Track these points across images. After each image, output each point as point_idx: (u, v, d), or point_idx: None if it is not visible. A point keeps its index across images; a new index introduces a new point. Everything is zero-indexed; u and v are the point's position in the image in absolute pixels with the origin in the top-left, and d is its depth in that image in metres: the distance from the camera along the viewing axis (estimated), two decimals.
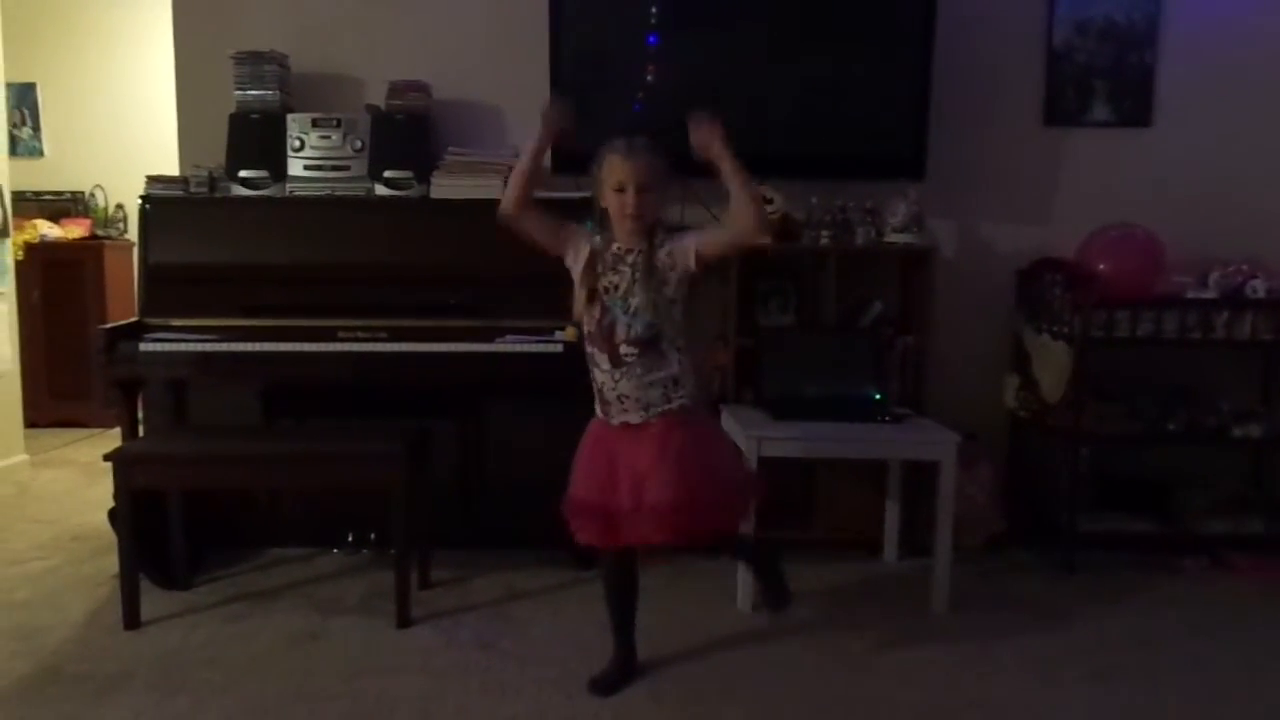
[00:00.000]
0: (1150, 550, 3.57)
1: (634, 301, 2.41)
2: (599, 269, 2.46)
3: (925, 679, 2.64)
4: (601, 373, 2.47)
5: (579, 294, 2.48)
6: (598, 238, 2.49)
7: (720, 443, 2.62)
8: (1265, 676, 2.70)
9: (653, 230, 2.45)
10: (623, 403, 2.46)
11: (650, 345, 2.43)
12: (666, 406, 2.45)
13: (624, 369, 2.44)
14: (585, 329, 2.50)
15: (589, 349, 2.49)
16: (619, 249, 2.46)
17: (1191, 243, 3.62)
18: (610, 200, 2.42)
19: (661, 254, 2.43)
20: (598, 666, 2.60)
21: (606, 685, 2.53)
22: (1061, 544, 3.49)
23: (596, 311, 2.44)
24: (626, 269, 2.44)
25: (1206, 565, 3.52)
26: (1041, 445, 3.70)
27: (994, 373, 3.82)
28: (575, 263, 2.49)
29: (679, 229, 2.63)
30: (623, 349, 2.43)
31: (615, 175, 2.40)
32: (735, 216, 2.42)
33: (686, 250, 2.42)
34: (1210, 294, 3.54)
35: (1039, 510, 3.68)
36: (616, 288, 2.44)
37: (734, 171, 2.38)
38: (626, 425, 2.46)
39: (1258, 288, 3.49)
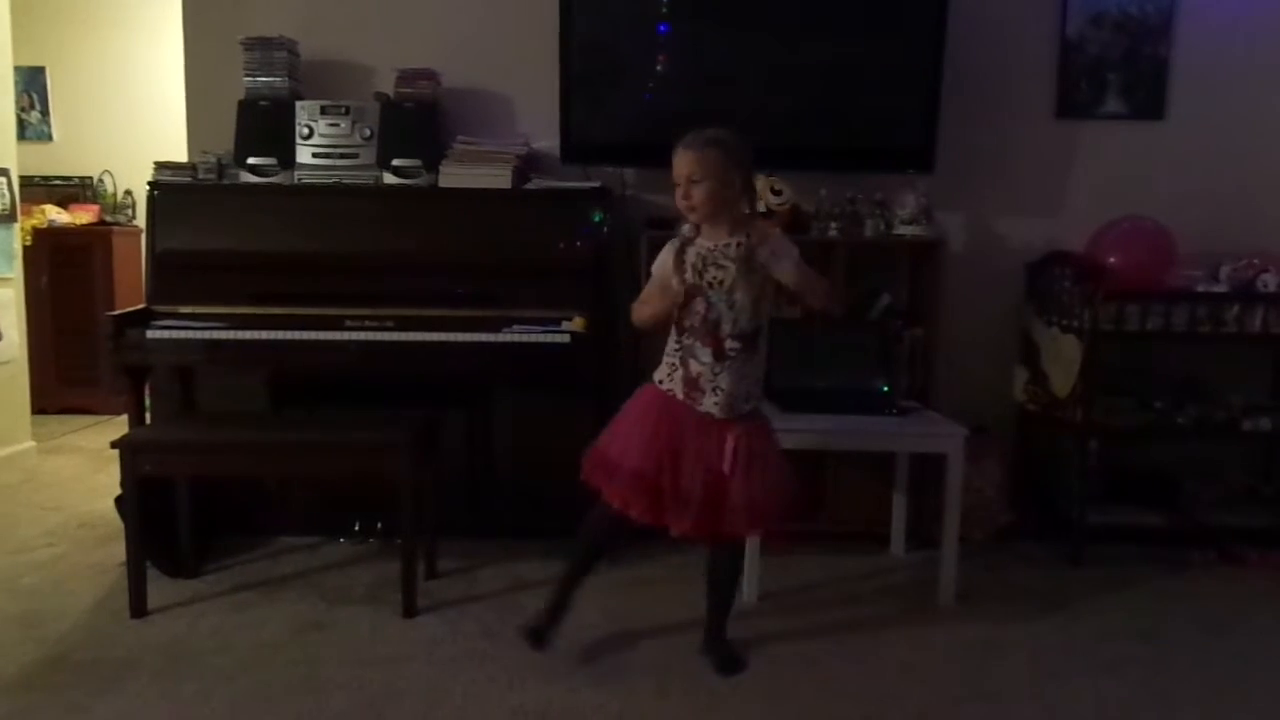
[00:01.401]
0: (1159, 544, 3.56)
1: (737, 296, 2.41)
2: (697, 264, 2.44)
3: (931, 671, 2.64)
4: (700, 365, 2.45)
5: (675, 287, 2.45)
6: (686, 230, 2.49)
7: (780, 453, 2.59)
8: (1272, 670, 2.69)
9: (736, 223, 2.44)
10: (716, 394, 2.45)
11: (752, 339, 2.46)
12: (747, 407, 2.48)
13: (727, 363, 2.44)
14: (685, 322, 2.46)
15: (688, 340, 2.47)
16: (713, 244, 2.44)
17: (1203, 236, 3.60)
18: (677, 193, 2.45)
19: (763, 251, 2.42)
20: (607, 658, 2.62)
21: (539, 634, 2.59)
22: (1069, 537, 3.49)
23: (701, 306, 2.43)
24: (729, 263, 2.42)
25: (1215, 559, 3.50)
26: (1050, 438, 3.69)
27: (1002, 366, 3.81)
28: (670, 271, 2.48)
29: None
30: (728, 344, 2.44)
31: (675, 166, 2.43)
32: (816, 298, 2.49)
33: (784, 261, 2.41)
34: (1221, 287, 3.52)
35: (1047, 503, 3.67)
36: (721, 282, 2.42)
37: (804, 280, 2.44)
38: (709, 417, 2.45)
39: (1269, 281, 3.48)
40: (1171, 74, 3.77)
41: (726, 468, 2.43)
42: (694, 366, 2.46)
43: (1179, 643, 2.85)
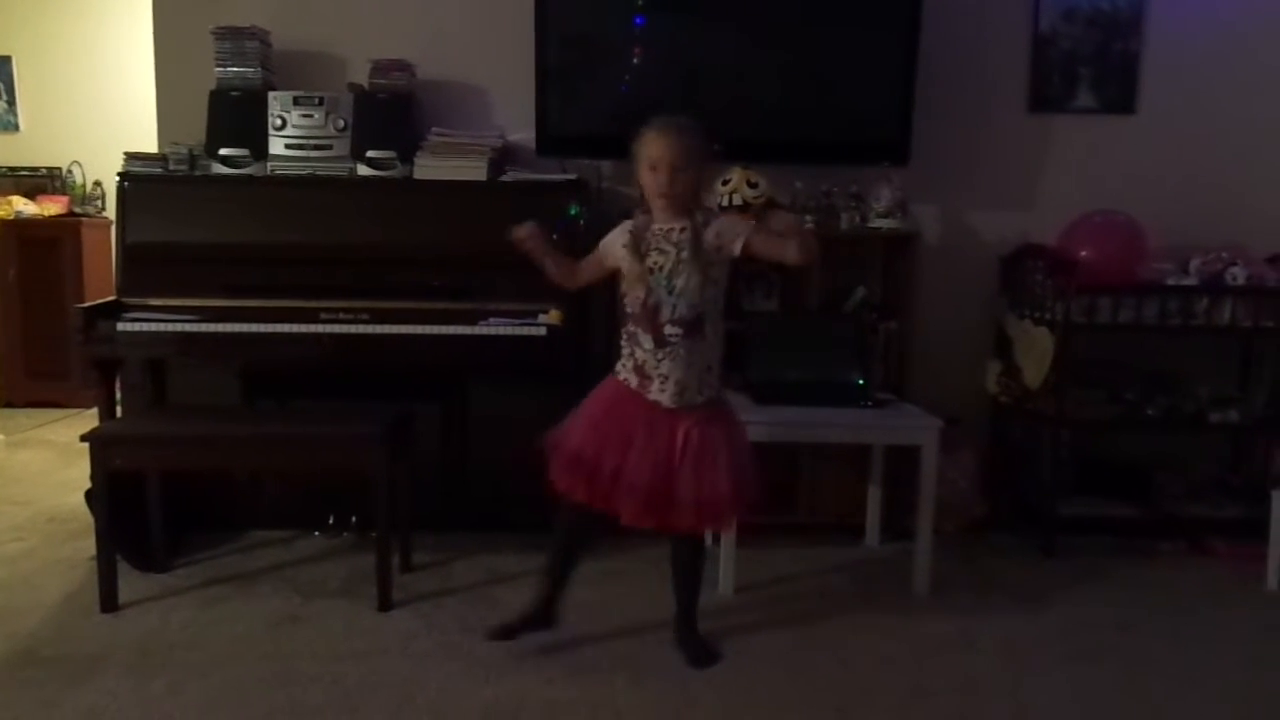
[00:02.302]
0: (1129, 534, 3.60)
1: (679, 282, 2.42)
2: (641, 248, 2.45)
3: (905, 661, 2.65)
4: (644, 351, 2.47)
5: (624, 275, 2.48)
6: (639, 218, 2.50)
7: (742, 443, 2.58)
8: (1241, 658, 2.73)
9: (691, 210, 2.46)
10: (663, 381, 2.45)
11: (694, 327, 2.45)
12: (700, 397, 2.47)
13: (668, 349, 2.44)
14: (628, 309, 2.49)
15: (631, 328, 2.50)
16: (661, 228, 2.46)
17: (1173, 229, 3.64)
18: (645, 178, 2.44)
19: (709, 233, 2.43)
20: (582, 650, 2.62)
21: (507, 631, 2.59)
22: (1041, 528, 3.52)
23: (641, 291, 2.44)
24: (671, 248, 2.43)
25: (1184, 549, 3.55)
26: (1023, 430, 3.73)
27: (976, 358, 3.83)
28: (618, 255, 2.50)
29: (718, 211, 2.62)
30: (667, 330, 2.44)
31: (648, 152, 2.42)
32: (790, 249, 2.43)
33: (736, 237, 2.43)
34: (1191, 281, 3.56)
35: (1020, 494, 3.70)
36: (661, 267, 2.44)
37: (766, 241, 2.45)
38: (658, 406, 2.46)
39: (1237, 275, 3.52)
40: (1142, 68, 3.81)
41: (676, 460, 2.43)
42: (639, 354, 2.48)
43: (1149, 631, 2.88)
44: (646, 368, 2.47)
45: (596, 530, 2.62)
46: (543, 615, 2.64)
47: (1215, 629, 2.92)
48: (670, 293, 2.43)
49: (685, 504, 2.44)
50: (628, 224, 2.52)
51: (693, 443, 2.44)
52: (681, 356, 2.44)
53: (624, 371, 2.53)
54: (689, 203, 2.46)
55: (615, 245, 2.52)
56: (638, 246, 2.46)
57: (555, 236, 2.64)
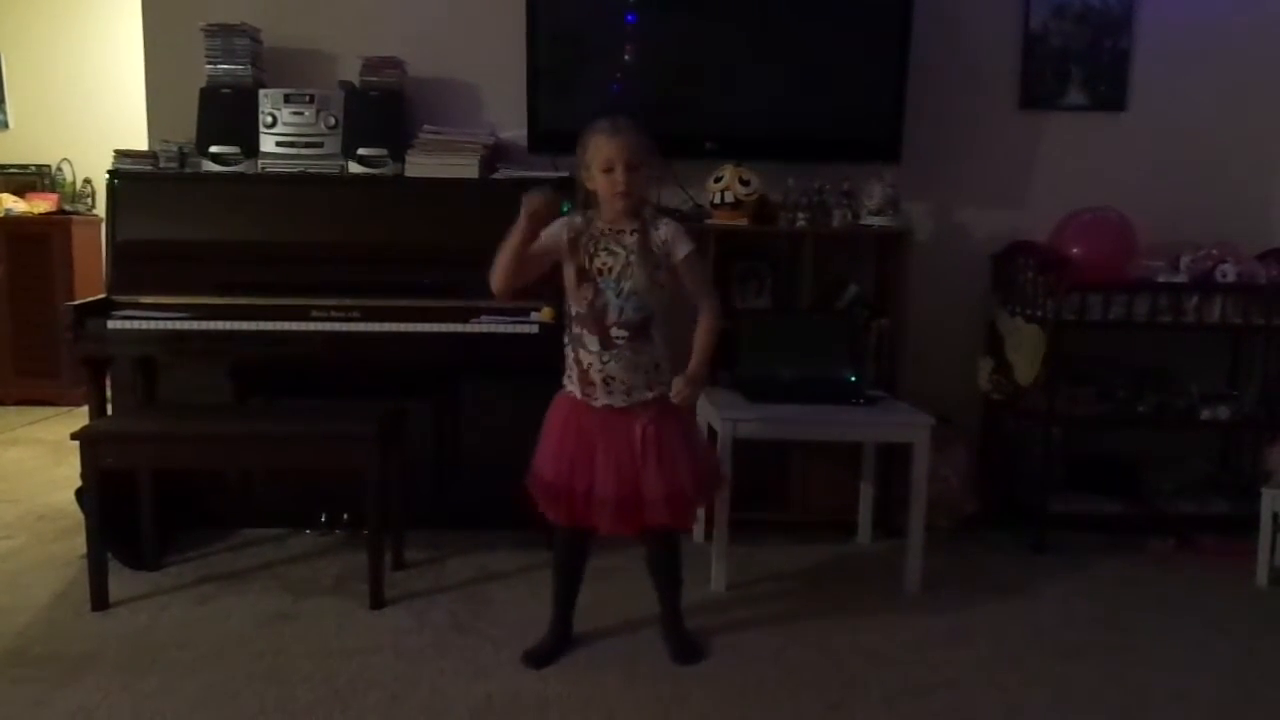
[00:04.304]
0: (1120, 531, 3.61)
1: (626, 284, 2.41)
2: (588, 249, 2.44)
3: (896, 658, 2.66)
4: (589, 354, 2.45)
5: (567, 275, 2.47)
6: (579, 219, 2.47)
7: (697, 434, 2.61)
8: (1230, 654, 2.74)
9: (640, 210, 2.45)
10: (609, 385, 2.45)
11: (640, 328, 2.44)
12: (649, 394, 2.47)
13: (614, 351, 2.43)
14: (574, 310, 2.48)
15: (576, 330, 2.48)
16: (609, 229, 2.44)
17: (1163, 226, 3.65)
18: (599, 181, 2.41)
19: (657, 236, 2.43)
20: (574, 648, 2.63)
21: (540, 657, 2.55)
22: (1033, 525, 3.53)
23: (589, 293, 2.43)
24: (620, 250, 2.42)
25: (1174, 546, 3.55)
26: (1014, 427, 3.73)
27: (968, 355, 3.84)
28: (563, 250, 2.46)
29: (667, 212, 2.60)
30: (614, 331, 2.43)
31: (603, 154, 2.39)
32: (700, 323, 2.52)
33: (681, 245, 2.44)
34: (1181, 278, 3.57)
35: (1011, 491, 3.71)
36: (610, 269, 2.42)
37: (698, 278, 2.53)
38: (609, 409, 2.46)
39: (1227, 272, 3.53)
40: (1133, 66, 3.81)
41: (637, 459, 2.44)
42: (584, 357, 2.46)
43: (1139, 628, 2.90)
44: (591, 373, 2.46)
45: (588, 545, 2.63)
46: (565, 634, 2.65)
47: (1205, 625, 2.93)
48: (618, 295, 2.41)
49: (655, 501, 2.45)
50: (576, 219, 2.47)
51: (650, 438, 2.44)
52: (627, 358, 2.44)
53: (569, 383, 2.53)
54: (641, 202, 2.46)
55: (560, 238, 2.45)
56: (578, 248, 2.44)
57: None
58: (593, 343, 2.45)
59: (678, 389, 2.46)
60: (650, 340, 2.46)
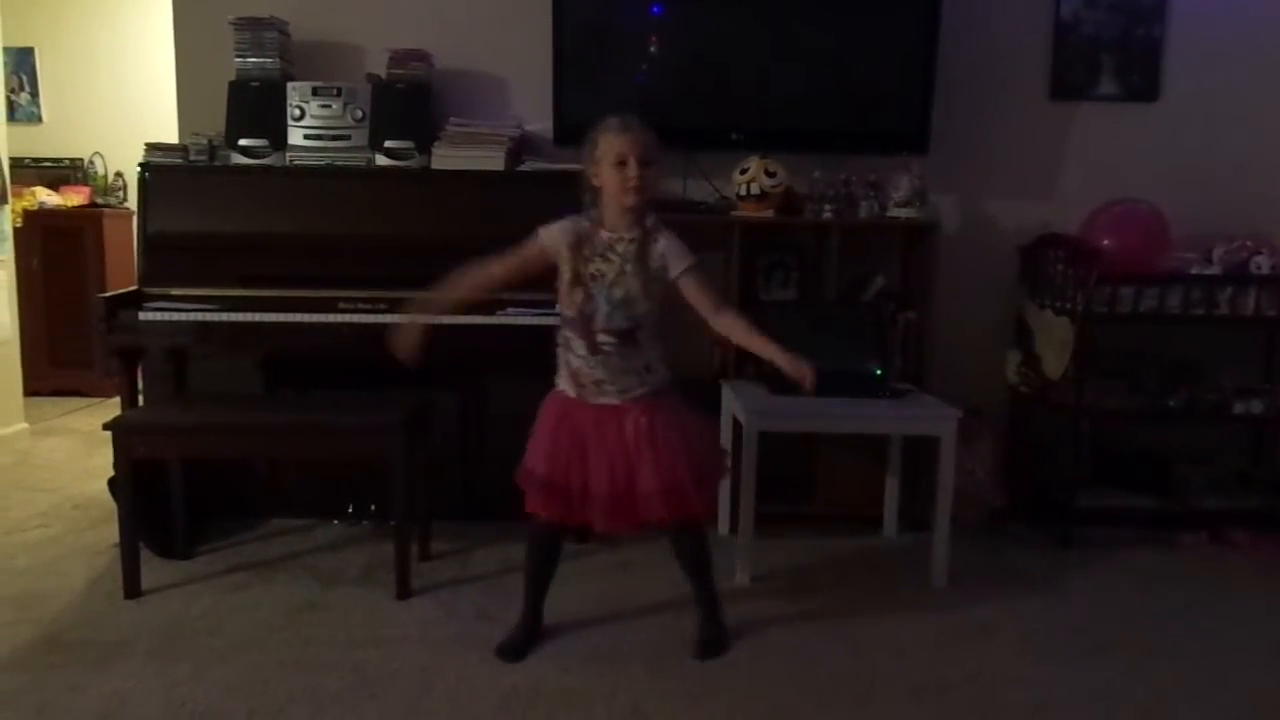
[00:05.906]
0: (1149, 526, 3.58)
1: (618, 292, 2.40)
2: (585, 253, 2.42)
3: (922, 653, 2.65)
4: (577, 358, 2.46)
5: (562, 277, 2.45)
6: (584, 222, 2.45)
7: (694, 423, 2.57)
8: (1260, 654, 2.71)
9: (643, 216, 2.43)
10: (599, 386, 2.46)
11: (628, 336, 2.43)
12: (641, 390, 2.46)
13: (600, 357, 2.43)
14: (564, 313, 2.47)
15: (566, 334, 2.48)
16: (609, 237, 2.43)
17: (1196, 218, 3.60)
18: (609, 177, 2.39)
19: (656, 248, 2.42)
20: (599, 639, 2.63)
21: (513, 650, 2.55)
22: (1060, 519, 3.50)
23: (579, 297, 2.41)
24: (616, 258, 2.41)
25: (1205, 541, 3.52)
26: (1043, 421, 3.70)
27: (996, 348, 3.81)
28: (562, 256, 2.44)
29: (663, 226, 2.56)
30: (600, 338, 2.42)
31: (615, 149, 2.37)
32: (714, 323, 2.49)
33: (679, 262, 2.42)
34: (1214, 270, 3.53)
35: (1039, 486, 3.69)
36: (603, 275, 2.41)
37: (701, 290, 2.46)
38: (602, 406, 2.46)
39: (1262, 264, 3.48)
40: (1165, 55, 3.76)
41: (630, 452, 2.43)
42: (573, 360, 2.47)
43: (1168, 625, 2.87)
44: (581, 375, 2.46)
45: (561, 541, 2.65)
46: (536, 626, 2.65)
47: (1236, 621, 2.90)
48: (608, 302, 2.40)
49: (650, 495, 2.43)
50: (570, 222, 2.46)
51: (642, 430, 2.43)
52: (615, 363, 2.43)
53: (562, 382, 2.53)
54: (646, 206, 2.43)
55: (560, 244, 2.44)
56: (579, 253, 2.42)
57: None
58: (580, 347, 2.44)
59: (798, 374, 2.45)
60: (638, 345, 2.45)
